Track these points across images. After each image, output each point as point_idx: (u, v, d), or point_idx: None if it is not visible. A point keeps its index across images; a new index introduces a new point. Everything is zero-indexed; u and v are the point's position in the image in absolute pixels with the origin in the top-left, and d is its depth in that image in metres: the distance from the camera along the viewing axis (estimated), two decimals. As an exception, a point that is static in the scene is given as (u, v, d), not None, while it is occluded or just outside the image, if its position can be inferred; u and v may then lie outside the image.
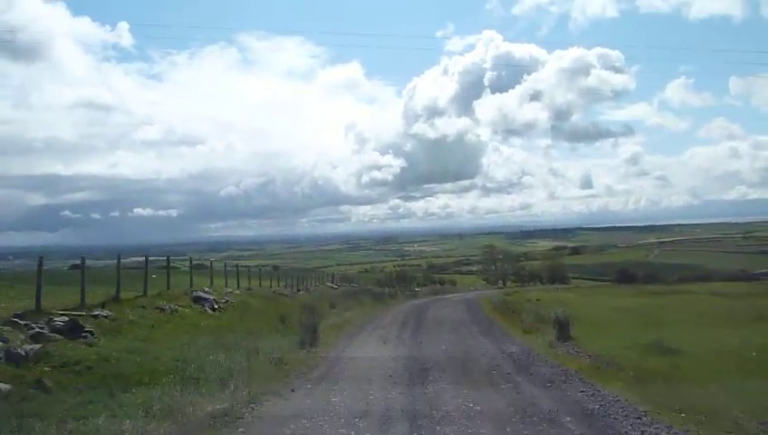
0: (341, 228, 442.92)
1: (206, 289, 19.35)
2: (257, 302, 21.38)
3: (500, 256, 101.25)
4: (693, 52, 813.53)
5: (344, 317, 21.02)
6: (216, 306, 17.46)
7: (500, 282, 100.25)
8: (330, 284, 43.04)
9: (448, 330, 17.26)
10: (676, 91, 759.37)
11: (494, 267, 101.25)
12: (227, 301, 19.15)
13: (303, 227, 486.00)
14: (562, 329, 14.65)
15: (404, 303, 33.12)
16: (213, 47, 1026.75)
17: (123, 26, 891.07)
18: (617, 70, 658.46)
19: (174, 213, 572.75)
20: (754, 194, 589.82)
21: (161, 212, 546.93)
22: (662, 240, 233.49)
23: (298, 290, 33.10)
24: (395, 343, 14.25)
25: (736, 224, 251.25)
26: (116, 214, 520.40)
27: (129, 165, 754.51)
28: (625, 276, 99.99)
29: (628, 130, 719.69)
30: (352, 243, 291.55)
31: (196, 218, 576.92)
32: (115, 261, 16.04)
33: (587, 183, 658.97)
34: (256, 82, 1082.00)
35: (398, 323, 19.00)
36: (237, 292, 22.45)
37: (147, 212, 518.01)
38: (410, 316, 22.11)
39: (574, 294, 49.01)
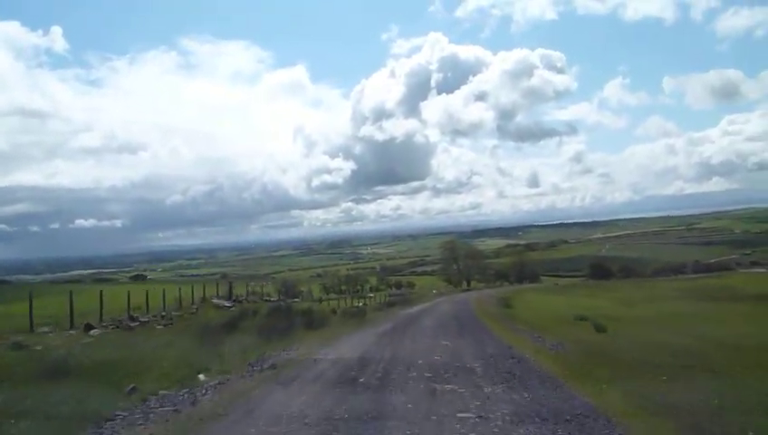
0: (294, 233, 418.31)
1: None
2: None
3: (462, 254, 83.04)
4: (628, 53, 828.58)
5: None
6: None
7: (464, 283, 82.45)
8: (217, 301, 23.21)
9: None
10: (613, 90, 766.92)
11: (455, 266, 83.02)
12: None
13: (255, 233, 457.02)
14: None
15: (328, 349, 13.50)
16: (154, 51, 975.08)
17: (57, 31, 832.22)
18: (558, 70, 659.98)
19: (118, 223, 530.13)
20: (691, 188, 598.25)
21: (105, 223, 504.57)
22: (608, 235, 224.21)
23: (83, 329, 13.42)
24: None
25: (676, 217, 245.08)
26: (56, 226, 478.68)
27: (68, 174, 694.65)
28: (600, 271, 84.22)
29: (571, 129, 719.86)
30: (305, 248, 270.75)
31: (141, 228, 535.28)
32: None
33: (534, 182, 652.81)
34: (201, 86, 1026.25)
35: None
36: None
37: (89, 223, 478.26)
38: None
39: (601, 301, 30.69)
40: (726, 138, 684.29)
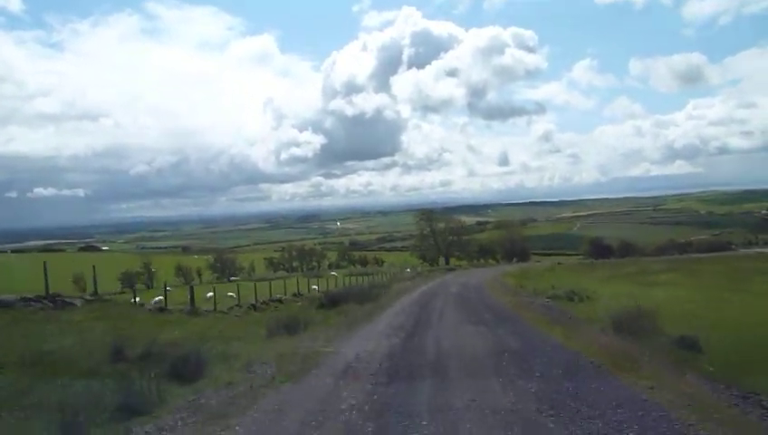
0: (262, 207, 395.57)
1: None
2: None
3: (441, 226, 67.55)
4: (598, 34, 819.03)
5: None
6: None
7: (441, 260, 67.51)
8: None
9: None
10: (582, 71, 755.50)
11: (432, 240, 67.62)
12: None
13: (222, 205, 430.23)
14: None
15: None
16: (119, 14, 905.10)
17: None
18: (530, 50, 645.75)
19: (80, 193, 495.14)
20: (656, 170, 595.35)
21: (65, 192, 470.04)
22: (577, 214, 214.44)
23: None
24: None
25: (641, 198, 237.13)
26: (13, 195, 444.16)
27: (24, 141, 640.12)
28: (600, 250, 71.04)
29: (540, 108, 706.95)
30: (273, 221, 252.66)
31: (105, 199, 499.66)
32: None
33: (503, 160, 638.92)
34: (167, 52, 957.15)
35: None
36: None
37: (49, 192, 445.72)
38: None
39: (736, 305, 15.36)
40: (691, 122, 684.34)
